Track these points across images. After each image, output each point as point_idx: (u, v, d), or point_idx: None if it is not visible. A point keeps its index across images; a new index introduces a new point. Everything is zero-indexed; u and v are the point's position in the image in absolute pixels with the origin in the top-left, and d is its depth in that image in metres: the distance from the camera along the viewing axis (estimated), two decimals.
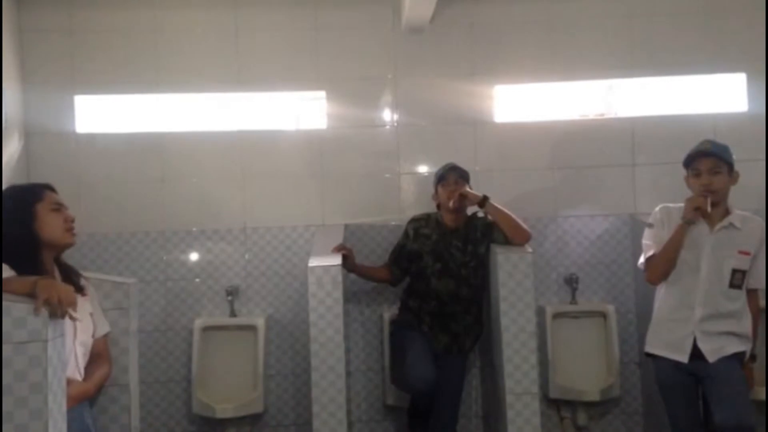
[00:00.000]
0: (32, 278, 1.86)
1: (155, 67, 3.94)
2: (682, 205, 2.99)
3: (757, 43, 3.92)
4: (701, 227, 2.94)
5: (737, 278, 2.89)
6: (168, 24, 3.95)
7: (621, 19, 4.03)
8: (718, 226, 2.93)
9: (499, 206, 3.45)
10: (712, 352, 2.87)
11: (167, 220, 3.91)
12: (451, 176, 3.52)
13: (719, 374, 2.84)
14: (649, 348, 3.04)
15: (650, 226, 3.07)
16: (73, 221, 2.44)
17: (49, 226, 2.36)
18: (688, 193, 3.01)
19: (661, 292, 3.04)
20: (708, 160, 2.90)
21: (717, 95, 4.07)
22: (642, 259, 3.11)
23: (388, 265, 3.69)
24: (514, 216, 3.43)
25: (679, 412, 2.97)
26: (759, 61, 3.92)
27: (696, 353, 2.88)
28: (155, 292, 3.88)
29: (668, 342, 2.96)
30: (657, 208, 3.09)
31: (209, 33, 3.98)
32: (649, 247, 3.05)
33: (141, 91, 3.97)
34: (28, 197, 2.39)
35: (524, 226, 3.44)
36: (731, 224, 2.92)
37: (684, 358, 2.90)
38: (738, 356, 2.89)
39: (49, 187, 2.48)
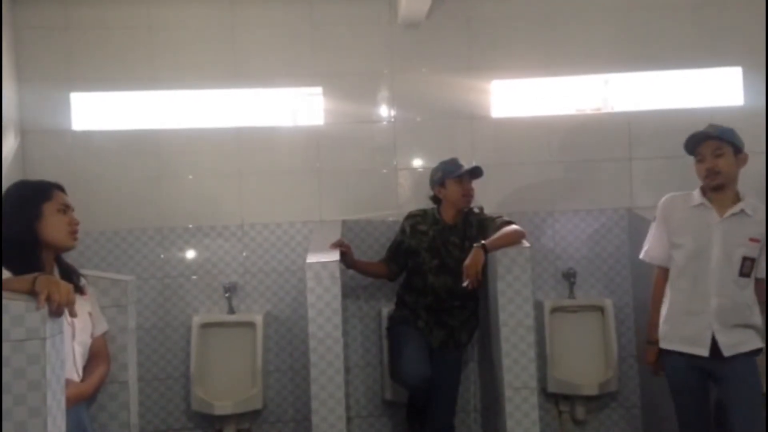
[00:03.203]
0: (31, 276, 1.85)
1: (151, 63, 3.93)
2: (689, 192, 2.93)
3: (753, 37, 3.93)
4: (710, 213, 2.84)
5: (746, 266, 2.78)
6: (164, 20, 3.94)
7: (617, 14, 4.04)
8: (728, 212, 2.82)
9: (493, 241, 3.22)
10: (730, 346, 2.77)
11: (164, 217, 3.90)
12: (470, 176, 3.49)
13: (736, 376, 2.75)
14: (665, 344, 2.91)
15: (653, 219, 3.03)
16: (77, 225, 2.41)
17: (53, 228, 2.33)
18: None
19: (670, 284, 2.94)
20: (709, 143, 2.83)
21: (713, 89, 4.07)
22: (642, 254, 3.09)
23: (385, 261, 3.69)
24: (504, 234, 3.24)
25: (689, 411, 2.88)
26: (755, 55, 3.93)
27: (713, 347, 2.78)
28: (153, 289, 3.88)
29: (686, 336, 2.84)
30: (662, 200, 3.01)
31: (205, 29, 3.97)
32: (647, 242, 3.04)
33: (137, 88, 3.96)
34: (38, 195, 2.36)
35: (513, 229, 3.25)
36: (742, 211, 2.81)
37: (704, 351, 2.78)
38: (755, 353, 2.80)
39: (59, 187, 2.45)
